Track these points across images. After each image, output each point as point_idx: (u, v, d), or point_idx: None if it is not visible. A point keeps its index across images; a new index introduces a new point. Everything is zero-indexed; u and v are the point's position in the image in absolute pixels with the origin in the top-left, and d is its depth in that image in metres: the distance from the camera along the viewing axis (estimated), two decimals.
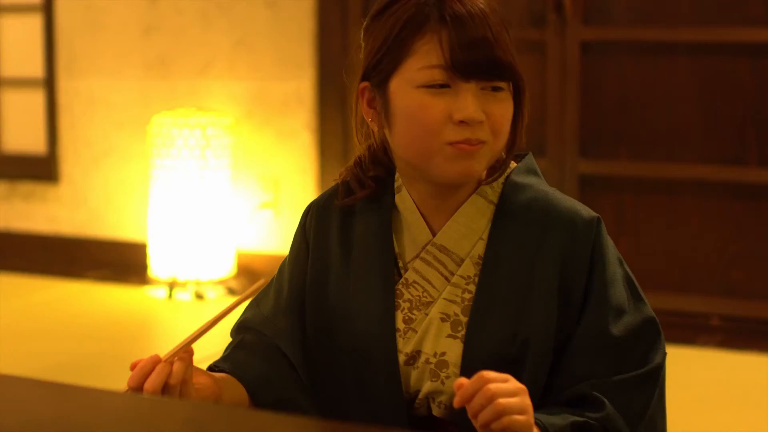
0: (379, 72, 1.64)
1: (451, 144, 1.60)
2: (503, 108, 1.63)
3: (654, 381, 1.65)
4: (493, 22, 1.62)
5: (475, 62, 1.59)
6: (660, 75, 4.37)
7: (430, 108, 1.60)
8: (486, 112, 1.60)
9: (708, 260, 4.33)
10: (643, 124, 4.41)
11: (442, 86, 1.60)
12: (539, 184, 1.70)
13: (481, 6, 1.63)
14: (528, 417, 1.47)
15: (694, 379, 3.65)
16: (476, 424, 1.47)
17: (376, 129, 1.69)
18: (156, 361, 1.58)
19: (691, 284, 4.34)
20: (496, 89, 1.62)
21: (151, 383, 1.56)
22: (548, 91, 4.45)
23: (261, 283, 1.67)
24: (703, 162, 4.32)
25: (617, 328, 1.63)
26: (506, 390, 1.46)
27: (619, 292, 1.65)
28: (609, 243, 1.67)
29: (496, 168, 1.68)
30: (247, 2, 4.99)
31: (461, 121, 1.59)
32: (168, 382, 1.57)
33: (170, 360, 1.58)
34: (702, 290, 4.32)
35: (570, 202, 1.68)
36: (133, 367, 1.58)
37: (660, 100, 4.38)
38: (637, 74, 4.40)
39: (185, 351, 1.60)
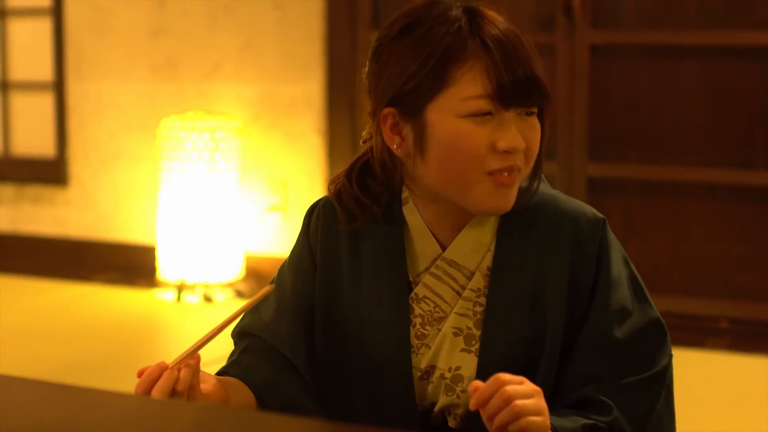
0: (413, 101, 1.60)
1: (491, 174, 1.58)
2: (537, 134, 1.61)
3: (660, 383, 1.65)
4: (526, 40, 1.61)
5: (520, 84, 1.57)
6: (668, 78, 4.36)
7: (474, 137, 1.57)
8: (524, 138, 1.59)
9: (716, 263, 4.32)
10: (651, 127, 4.40)
11: (485, 114, 1.58)
12: (543, 188, 1.70)
13: (509, 25, 1.62)
14: (544, 418, 1.47)
15: (703, 382, 3.64)
16: (492, 426, 1.46)
17: (402, 156, 1.65)
18: (163, 368, 1.58)
19: (699, 287, 4.33)
20: (530, 114, 1.61)
21: (158, 390, 1.56)
22: (557, 95, 4.44)
23: (267, 289, 1.66)
24: (710, 165, 4.32)
25: (621, 331, 1.63)
26: (522, 392, 1.46)
27: (622, 294, 1.64)
28: (615, 243, 1.67)
29: (523, 194, 1.67)
30: (255, 4, 5.00)
31: (505, 151, 1.58)
32: (175, 389, 1.57)
33: (177, 367, 1.59)
34: (710, 293, 4.32)
35: (575, 204, 1.67)
36: (140, 375, 1.59)
37: (668, 103, 4.38)
38: (645, 77, 4.40)
39: (192, 357, 1.60)
